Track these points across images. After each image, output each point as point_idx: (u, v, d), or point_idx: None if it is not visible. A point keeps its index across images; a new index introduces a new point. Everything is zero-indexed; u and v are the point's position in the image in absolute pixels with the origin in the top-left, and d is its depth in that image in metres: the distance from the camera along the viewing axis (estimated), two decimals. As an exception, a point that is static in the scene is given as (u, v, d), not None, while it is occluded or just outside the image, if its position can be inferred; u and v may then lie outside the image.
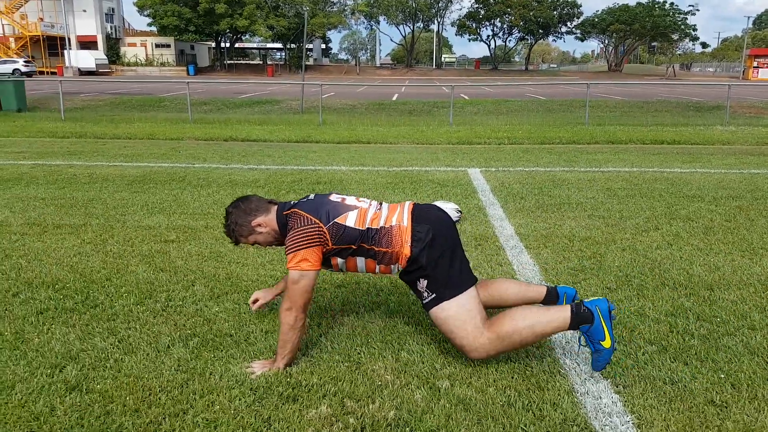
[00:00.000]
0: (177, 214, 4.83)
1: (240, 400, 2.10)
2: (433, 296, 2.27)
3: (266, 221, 2.43)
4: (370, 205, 2.43)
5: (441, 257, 2.27)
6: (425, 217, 2.35)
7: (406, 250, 2.28)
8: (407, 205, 2.42)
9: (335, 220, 2.30)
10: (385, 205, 2.45)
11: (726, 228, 4.28)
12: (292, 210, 2.37)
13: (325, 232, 2.28)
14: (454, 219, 4.46)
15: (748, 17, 60.37)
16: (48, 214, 4.79)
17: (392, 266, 2.34)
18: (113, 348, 2.49)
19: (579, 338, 2.26)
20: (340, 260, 2.37)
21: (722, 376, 2.21)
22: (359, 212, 2.36)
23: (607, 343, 2.14)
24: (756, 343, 2.48)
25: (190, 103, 13.85)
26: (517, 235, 4.14)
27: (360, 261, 2.37)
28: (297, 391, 2.14)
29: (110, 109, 16.31)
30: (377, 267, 2.36)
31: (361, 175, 6.66)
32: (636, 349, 2.44)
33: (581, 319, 2.18)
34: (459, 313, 2.23)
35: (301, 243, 2.25)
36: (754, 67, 48.98)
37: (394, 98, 21.07)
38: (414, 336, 2.59)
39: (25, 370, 2.30)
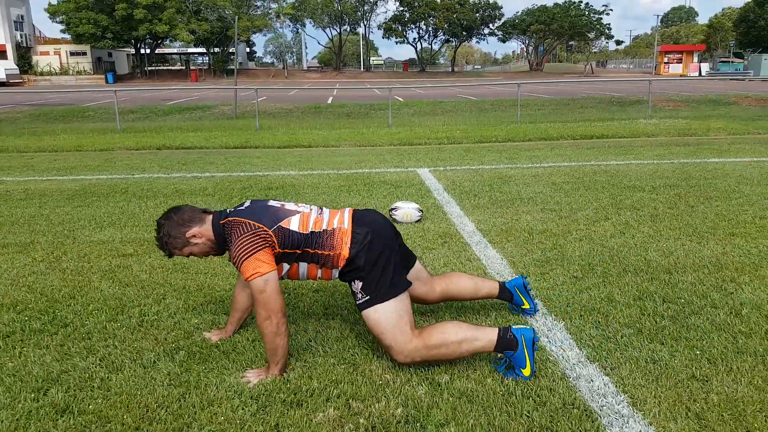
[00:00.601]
0: (129, 226, 4.65)
1: (243, 409, 2.07)
2: (367, 298, 2.29)
3: (201, 232, 2.36)
4: (311, 210, 2.42)
5: (378, 260, 2.29)
6: (365, 220, 2.38)
7: (345, 252, 2.30)
8: (348, 210, 2.44)
9: (280, 224, 2.27)
10: (326, 210, 2.45)
11: (671, 215, 4.59)
12: (229, 219, 2.31)
13: (271, 235, 2.24)
14: (416, 218, 4.55)
15: (658, 15, 64.37)
16: (-13, 233, 4.49)
17: (333, 270, 2.35)
18: (96, 367, 2.39)
19: (500, 363, 2.30)
20: (284, 267, 2.34)
21: (698, 353, 2.39)
22: (301, 217, 2.34)
23: (526, 372, 2.22)
24: (720, 320, 2.69)
25: (120, 112, 13.29)
26: (479, 231, 4.27)
27: (302, 266, 2.35)
28: (299, 396, 2.14)
29: (30, 121, 15.36)
30: (319, 271, 2.36)
31: (312, 179, 6.63)
32: (614, 333, 2.59)
33: (506, 345, 2.24)
34: (389, 317, 2.25)
35: (250, 249, 2.20)
36: (665, 62, 52.33)
37: (329, 101, 21.03)
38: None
39: (5, 396, 2.17)
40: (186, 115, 16.33)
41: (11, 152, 9.67)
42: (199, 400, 2.13)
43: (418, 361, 2.27)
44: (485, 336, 2.26)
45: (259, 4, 58.17)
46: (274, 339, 2.22)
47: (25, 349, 2.56)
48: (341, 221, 2.36)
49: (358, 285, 2.31)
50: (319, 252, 2.31)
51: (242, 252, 2.19)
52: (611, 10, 64.49)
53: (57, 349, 2.55)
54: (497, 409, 2.03)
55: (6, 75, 43.71)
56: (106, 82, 46.95)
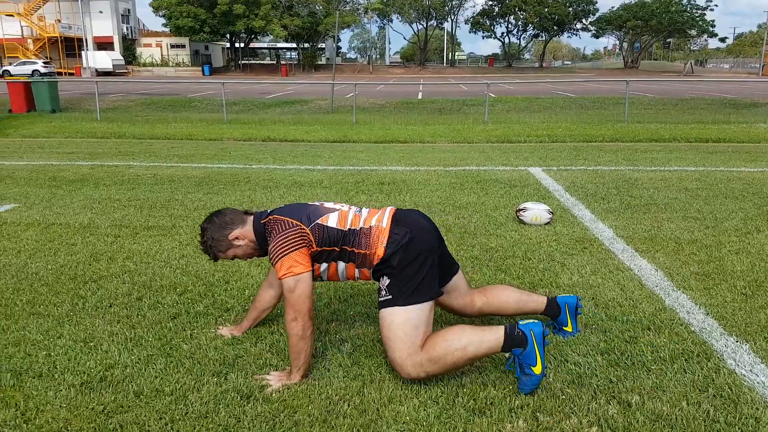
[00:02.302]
0: None
1: (425, 410, 2.03)
2: (389, 297, 2.20)
3: (243, 233, 2.35)
4: (350, 208, 2.37)
5: (412, 263, 2.20)
6: (405, 221, 2.29)
7: (380, 251, 2.22)
8: (389, 210, 2.36)
9: (317, 221, 2.24)
10: (365, 209, 2.39)
11: (836, 229, 4.17)
12: (269, 218, 2.30)
13: (308, 234, 2.21)
14: (546, 220, 4.38)
15: (766, 11, 59.51)
16: (131, 215, 4.75)
17: (371, 270, 2.27)
18: (267, 353, 2.44)
19: (508, 361, 2.15)
20: (322, 266, 2.29)
21: None
22: (340, 214, 2.30)
23: (537, 369, 2.06)
24: None
25: (219, 105, 13.84)
26: (620, 238, 4.05)
27: (341, 266, 2.30)
28: (480, 404, 2.07)
29: (142, 110, 16.32)
30: (357, 272, 2.30)
31: (420, 175, 6.58)
32: (814, 359, 2.35)
33: (514, 342, 2.09)
34: (403, 324, 2.15)
35: (287, 247, 2.17)
36: (773, 63, 48.50)
37: (419, 96, 20.97)
38: (579, 347, 2.51)
39: (188, 378, 2.25)
40: (285, 109, 16.77)
41: (127, 138, 10.29)
42: (379, 396, 2.11)
43: (424, 377, 2.14)
44: (491, 336, 2.12)
45: (348, -1, 59.04)
46: (298, 342, 2.16)
47: (194, 331, 2.65)
48: (380, 220, 2.29)
49: (385, 282, 2.23)
50: (356, 251, 2.25)
51: (279, 250, 2.17)
52: (715, 5, 60.40)
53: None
54: (703, 436, 1.88)
55: (113, 65, 46.88)
56: (203, 74, 49.25)
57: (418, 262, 2.21)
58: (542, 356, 2.08)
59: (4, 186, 5.95)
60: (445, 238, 4.09)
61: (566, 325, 2.58)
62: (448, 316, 2.75)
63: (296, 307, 2.15)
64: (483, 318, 2.67)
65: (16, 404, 2.07)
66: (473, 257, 3.67)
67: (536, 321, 2.15)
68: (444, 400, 2.09)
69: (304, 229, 2.21)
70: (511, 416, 1.99)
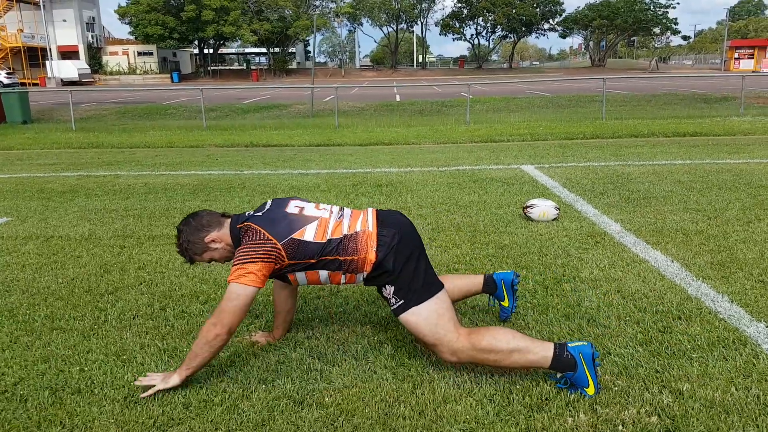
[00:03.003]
0: None
1: (482, 409, 2.02)
2: (401, 302, 2.19)
3: (220, 236, 2.30)
4: (332, 212, 2.32)
5: (407, 262, 2.19)
6: (390, 221, 2.28)
7: (372, 255, 2.19)
8: (371, 211, 2.34)
9: (292, 236, 2.18)
10: (347, 211, 2.35)
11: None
12: (246, 223, 2.25)
13: (279, 249, 2.16)
14: (553, 216, 4.42)
15: (726, 9, 61.33)
16: (132, 225, 4.65)
17: (358, 275, 2.25)
18: (308, 358, 2.40)
19: (560, 379, 2.14)
20: (299, 275, 2.27)
21: None
22: (319, 223, 2.24)
23: (590, 390, 2.06)
24: None
25: (199, 111, 13.65)
26: (628, 231, 4.11)
27: (323, 274, 2.26)
28: (537, 401, 2.06)
29: (117, 119, 16.01)
30: (342, 277, 2.26)
31: (416, 176, 6.58)
32: None
33: (563, 366, 2.08)
34: (429, 317, 2.16)
35: (250, 257, 2.13)
36: (735, 58, 49.90)
37: (398, 99, 21.03)
38: (617, 339, 2.53)
39: (235, 386, 2.20)
40: (264, 114, 16.63)
41: (107, 148, 10.07)
42: (433, 396, 2.10)
43: (465, 361, 2.17)
44: (540, 350, 2.10)
45: (317, 3, 58.86)
46: (203, 345, 2.12)
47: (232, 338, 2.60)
48: (365, 224, 2.26)
49: (389, 290, 2.21)
50: (341, 258, 2.21)
51: (242, 256, 2.14)
52: (678, 3, 62.07)
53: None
54: (759, 421, 1.91)
55: (79, 74, 45.84)
56: (172, 81, 48.52)
57: (414, 259, 2.21)
58: (594, 378, 2.07)
59: (-9, 199, 5.76)
60: (456, 237, 4.12)
61: (503, 300, 2.64)
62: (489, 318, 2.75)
63: (222, 316, 2.11)
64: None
65: (61, 422, 2.00)
66: (490, 255, 3.68)
67: (585, 343, 2.12)
68: (499, 397, 2.09)
69: (276, 244, 2.15)
70: (570, 410, 2.00)
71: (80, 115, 16.32)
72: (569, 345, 2.11)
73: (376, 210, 2.36)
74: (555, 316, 2.73)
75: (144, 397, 2.11)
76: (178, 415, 2.02)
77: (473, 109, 16.91)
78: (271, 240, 2.16)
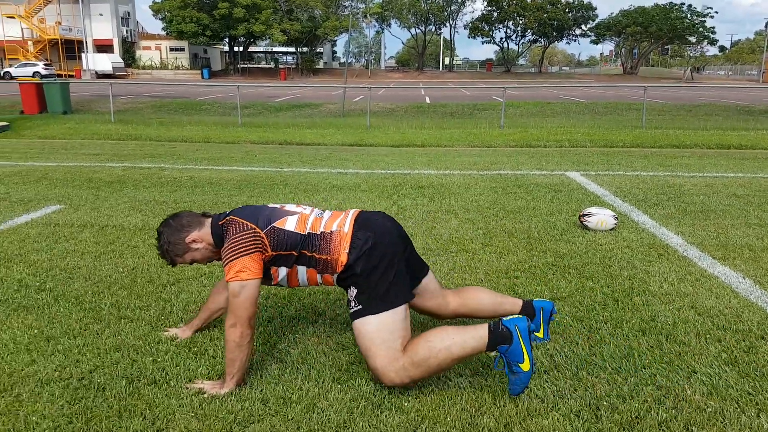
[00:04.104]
0: None
1: (570, 425, 1.95)
2: (359, 307, 2.12)
3: (201, 236, 2.26)
4: (312, 211, 2.30)
5: (376, 268, 2.12)
6: (368, 224, 2.21)
7: (343, 257, 2.15)
8: (352, 213, 2.29)
9: (274, 225, 2.17)
10: (328, 212, 2.32)
11: None
12: (227, 219, 2.23)
13: (262, 238, 2.13)
14: (611, 226, 4.31)
15: (766, 18, 59.93)
16: (183, 218, 4.66)
17: (334, 276, 2.19)
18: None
19: (495, 360, 2.08)
20: (281, 271, 2.21)
21: None
22: (300, 217, 2.22)
23: (525, 366, 1.98)
24: None
25: (232, 107, 13.74)
26: (691, 245, 3.99)
27: (301, 271, 2.22)
28: (626, 417, 1.99)
29: (153, 112, 16.22)
30: (319, 277, 2.22)
31: (458, 179, 6.50)
32: None
33: (499, 339, 2.02)
34: (378, 331, 2.07)
35: (239, 251, 2.10)
36: (773, 70, 48.84)
37: (427, 100, 20.95)
38: (701, 357, 2.44)
39: (311, 385, 2.17)
40: (296, 112, 16.70)
41: (146, 140, 10.18)
42: (516, 409, 2.04)
43: (408, 383, 2.06)
44: (475, 333, 2.04)
45: (347, 4, 59.08)
46: (234, 349, 2.09)
47: (296, 335, 2.57)
48: (342, 225, 2.21)
49: (353, 292, 2.16)
50: (317, 256, 2.18)
51: (230, 252, 2.11)
52: (715, 12, 60.88)
53: (328, 337, 2.55)
54: None
55: (113, 68, 46.70)
56: (202, 77, 49.11)
57: (383, 267, 2.14)
58: (529, 352, 2.00)
59: (43, 187, 5.85)
60: (509, 243, 4.04)
61: (538, 331, 2.51)
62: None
63: (237, 312, 2.08)
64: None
65: (141, 413, 1.99)
66: (549, 264, 3.60)
67: (521, 316, 2.08)
68: (587, 413, 2.02)
69: (258, 232, 2.14)
70: (663, 429, 1.92)
71: (117, 108, 16.55)
72: (504, 319, 2.07)
73: (361, 211, 2.31)
74: (631, 331, 2.65)
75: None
76: (258, 412, 1.99)
77: (506, 113, 16.79)
78: (253, 228, 2.14)
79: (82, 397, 2.07)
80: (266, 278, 2.22)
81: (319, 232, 2.20)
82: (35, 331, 2.59)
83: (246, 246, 2.11)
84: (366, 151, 8.94)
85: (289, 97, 22.47)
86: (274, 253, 2.16)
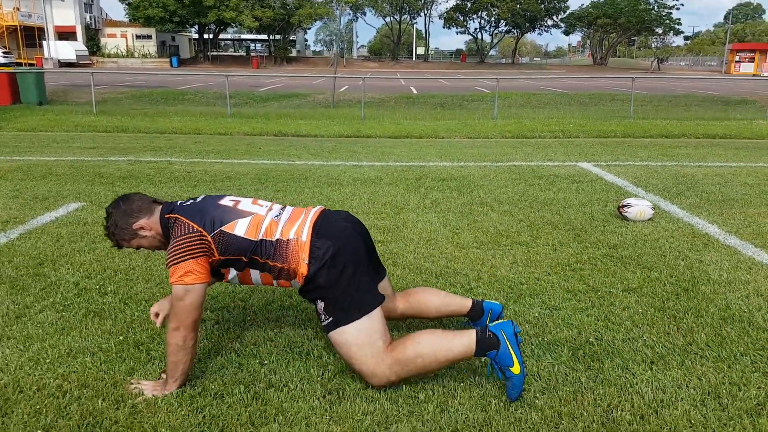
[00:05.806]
0: (368, 214, 4.63)
1: (699, 413, 2.00)
2: (330, 319, 2.10)
3: (149, 224, 2.19)
4: (270, 210, 2.22)
5: (340, 277, 2.08)
6: (328, 230, 2.14)
7: (303, 269, 2.09)
8: (312, 214, 2.22)
9: (222, 228, 2.08)
10: (287, 211, 2.24)
11: None
12: (173, 215, 2.16)
13: (209, 242, 2.07)
14: (648, 216, 4.39)
15: (728, 12, 61.68)
16: (218, 214, 4.56)
17: (292, 281, 2.16)
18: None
19: (488, 367, 2.11)
20: (232, 272, 2.17)
21: None
22: (252, 220, 2.13)
23: (516, 369, 2.01)
24: None
25: (216, 97, 13.48)
26: (729, 234, 4.10)
27: (254, 274, 2.17)
28: (752, 405, 2.05)
29: (134, 103, 15.78)
30: (275, 281, 2.18)
31: (475, 170, 6.52)
32: None
33: (487, 345, 2.04)
34: (358, 338, 2.06)
35: (183, 254, 2.03)
36: (736, 61, 50.23)
37: (414, 92, 20.93)
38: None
39: (435, 381, 2.16)
40: (283, 103, 16.48)
41: (132, 132, 9.88)
42: (642, 401, 2.07)
43: (395, 381, 2.09)
44: (462, 340, 2.07)
45: (321, -9, 58.41)
46: (177, 352, 2.05)
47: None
48: (299, 232, 2.13)
49: (320, 305, 2.13)
50: (270, 263, 2.11)
51: (175, 255, 2.05)
52: (682, 4, 62.28)
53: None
54: None
55: (77, 56, 45.17)
56: (171, 65, 47.98)
57: (347, 274, 2.09)
58: (518, 355, 2.03)
59: (53, 183, 5.64)
60: (557, 235, 4.08)
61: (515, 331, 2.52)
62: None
63: (181, 317, 2.04)
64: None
65: (274, 419, 1.95)
66: (606, 255, 3.65)
67: (506, 321, 2.11)
68: (711, 402, 2.06)
69: (205, 236, 2.06)
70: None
71: (96, 99, 16.08)
72: (490, 325, 2.10)
73: (321, 212, 2.24)
74: (713, 320, 2.71)
75: (142, 400, 2.04)
76: (393, 413, 1.98)
77: (495, 105, 16.91)
78: (200, 231, 2.07)
79: (203, 406, 2.02)
80: (218, 276, 2.19)
81: (274, 239, 2.11)
82: (120, 338, 2.51)
83: (192, 249, 2.04)
84: (369, 143, 8.89)
85: (273, 87, 22.15)
86: (222, 258, 2.10)
